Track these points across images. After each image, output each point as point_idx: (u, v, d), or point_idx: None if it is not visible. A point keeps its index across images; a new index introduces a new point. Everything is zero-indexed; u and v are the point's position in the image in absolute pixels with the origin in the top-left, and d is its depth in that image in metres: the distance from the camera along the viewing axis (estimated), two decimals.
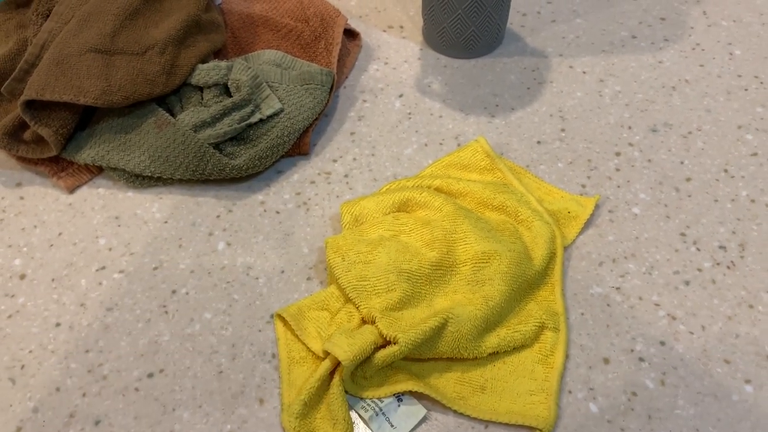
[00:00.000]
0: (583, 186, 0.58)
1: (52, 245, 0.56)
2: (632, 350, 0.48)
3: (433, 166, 0.59)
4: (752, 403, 0.46)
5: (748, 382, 0.47)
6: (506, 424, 0.45)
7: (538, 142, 0.61)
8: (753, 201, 0.56)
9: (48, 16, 0.61)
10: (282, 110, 0.60)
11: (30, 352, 0.50)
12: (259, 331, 0.50)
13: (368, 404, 0.46)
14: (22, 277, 0.54)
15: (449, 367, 0.47)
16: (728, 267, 0.53)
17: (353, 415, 0.46)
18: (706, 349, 0.48)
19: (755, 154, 0.60)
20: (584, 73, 0.67)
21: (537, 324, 0.48)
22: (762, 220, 0.55)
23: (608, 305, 0.51)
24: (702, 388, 0.47)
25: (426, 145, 0.62)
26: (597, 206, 0.56)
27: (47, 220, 0.57)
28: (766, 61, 0.67)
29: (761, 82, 0.65)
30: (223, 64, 0.60)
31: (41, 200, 0.59)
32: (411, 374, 0.47)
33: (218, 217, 0.57)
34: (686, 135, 0.61)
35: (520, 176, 0.58)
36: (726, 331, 0.49)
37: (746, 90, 0.65)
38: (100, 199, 0.59)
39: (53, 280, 0.54)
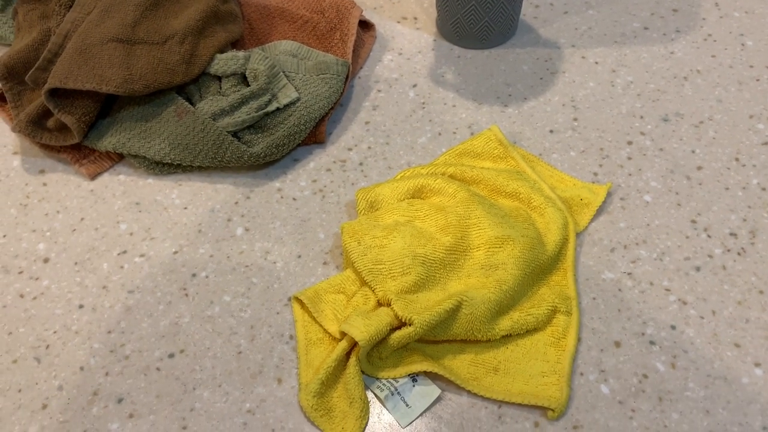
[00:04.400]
0: (595, 174, 0.59)
1: (74, 230, 0.57)
2: (643, 334, 0.49)
3: (447, 155, 0.60)
4: (762, 385, 0.47)
5: (758, 365, 0.48)
6: (519, 405, 0.46)
7: (551, 131, 0.62)
8: (764, 189, 0.57)
9: (71, 6, 0.63)
10: (298, 99, 0.61)
11: (54, 332, 0.51)
12: (277, 313, 0.51)
13: (384, 384, 0.47)
14: (46, 260, 0.55)
15: (463, 348, 0.48)
16: (739, 253, 0.53)
17: (369, 394, 0.47)
18: (716, 333, 0.49)
19: (766, 143, 0.60)
20: (596, 63, 0.68)
21: (549, 308, 0.49)
22: None
23: (620, 290, 0.52)
24: (712, 371, 0.47)
25: (439, 134, 0.62)
26: (609, 194, 0.57)
27: (70, 206, 0.59)
28: None
29: None
30: (241, 54, 0.61)
31: (64, 186, 0.60)
32: (425, 355, 0.48)
33: (236, 203, 0.58)
34: (698, 124, 0.62)
35: (533, 164, 0.59)
36: (736, 316, 0.50)
37: (758, 80, 0.65)
38: (120, 185, 0.60)
39: (76, 263, 0.55)
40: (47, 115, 0.60)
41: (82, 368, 0.49)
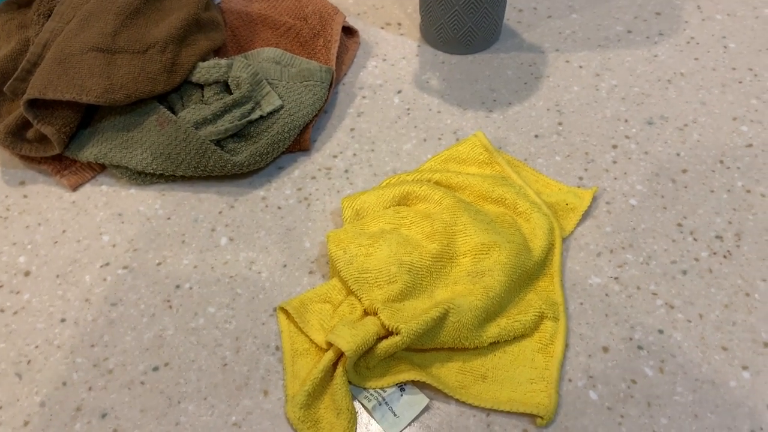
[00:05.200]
0: (581, 178, 0.59)
1: (56, 242, 0.56)
2: (631, 339, 0.49)
3: (432, 161, 0.60)
4: (749, 389, 0.46)
5: (745, 368, 0.47)
6: (507, 412, 0.46)
7: (536, 136, 0.62)
8: (748, 191, 0.57)
9: (49, 15, 0.62)
10: (282, 107, 0.60)
11: (36, 347, 0.50)
12: (263, 324, 0.51)
13: (371, 394, 0.46)
14: (27, 274, 0.54)
15: (450, 356, 0.48)
16: (724, 256, 0.53)
17: (356, 404, 0.46)
18: (703, 336, 0.49)
19: (750, 145, 0.60)
20: (581, 67, 0.68)
21: (537, 314, 0.49)
22: (757, 210, 0.56)
23: (607, 295, 0.51)
24: (700, 375, 0.47)
25: (425, 140, 0.62)
26: (594, 198, 0.57)
27: (51, 218, 0.58)
28: (759, 53, 0.68)
29: (755, 75, 0.66)
30: (224, 61, 0.61)
31: (45, 198, 0.59)
32: (413, 364, 0.47)
33: (220, 212, 0.58)
34: (682, 127, 0.62)
35: (519, 169, 0.59)
36: (723, 319, 0.50)
37: (740, 82, 0.66)
38: (103, 196, 0.59)
39: (58, 276, 0.54)
40: (27, 126, 0.59)
41: (64, 383, 0.48)
